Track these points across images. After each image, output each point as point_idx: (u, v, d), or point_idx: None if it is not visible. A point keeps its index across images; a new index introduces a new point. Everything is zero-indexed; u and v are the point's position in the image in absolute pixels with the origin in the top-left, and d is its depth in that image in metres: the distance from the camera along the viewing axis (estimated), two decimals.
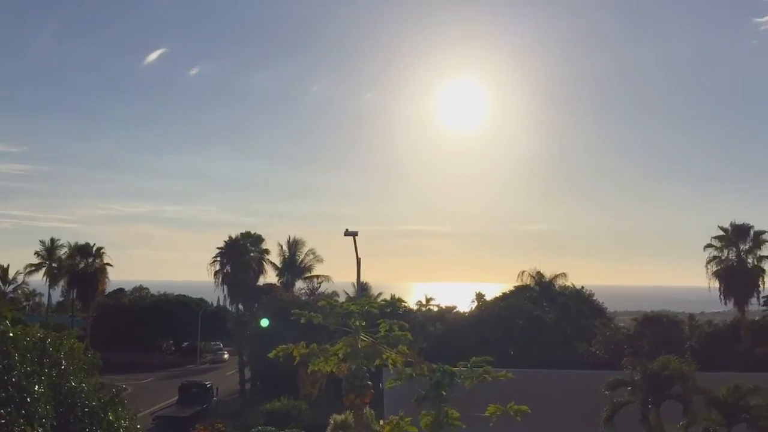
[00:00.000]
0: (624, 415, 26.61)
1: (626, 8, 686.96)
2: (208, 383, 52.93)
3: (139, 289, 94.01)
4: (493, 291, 66.04)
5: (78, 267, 69.39)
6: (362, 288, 66.47)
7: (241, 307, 63.12)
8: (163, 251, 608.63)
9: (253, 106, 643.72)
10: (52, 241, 75.92)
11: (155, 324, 77.80)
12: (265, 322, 51.51)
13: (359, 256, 32.03)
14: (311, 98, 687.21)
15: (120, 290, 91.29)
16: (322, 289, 65.87)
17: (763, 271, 50.32)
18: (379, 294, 70.22)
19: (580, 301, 57.13)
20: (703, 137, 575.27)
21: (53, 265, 74.50)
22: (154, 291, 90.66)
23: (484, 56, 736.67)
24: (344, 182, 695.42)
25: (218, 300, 71.67)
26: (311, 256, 66.48)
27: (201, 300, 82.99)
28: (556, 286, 58.26)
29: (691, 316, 61.16)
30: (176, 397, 50.62)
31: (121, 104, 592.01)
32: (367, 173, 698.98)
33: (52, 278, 74.45)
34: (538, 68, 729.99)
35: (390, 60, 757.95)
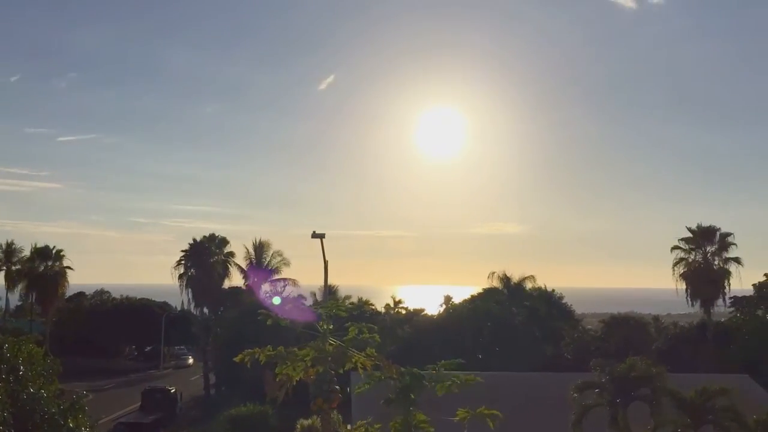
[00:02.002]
0: (592, 417, 26.66)
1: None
2: (171, 389, 52.29)
3: (101, 293, 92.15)
4: (461, 294, 66.10)
5: (37, 270, 67.77)
6: (330, 291, 66.11)
7: (206, 310, 62.40)
8: (126, 254, 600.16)
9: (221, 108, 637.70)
10: (9, 244, 73.89)
11: (117, 328, 76.44)
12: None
13: (326, 258, 31.74)
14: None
15: (81, 294, 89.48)
16: (288, 292, 65.23)
17: (729, 273, 51.09)
18: (347, 297, 70.07)
19: (549, 303, 57.41)
20: (671, 141, 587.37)
21: (13, 268, 72.54)
22: (116, 294, 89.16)
23: (455, 64, 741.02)
24: (309, 186, 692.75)
25: (182, 303, 70.67)
26: (278, 259, 65.88)
27: (165, 303, 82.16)
28: (525, 289, 58.48)
29: (657, 318, 61.94)
30: (139, 403, 49.82)
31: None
32: (330, 178, 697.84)
33: (10, 282, 72.50)
34: (514, 73, 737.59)
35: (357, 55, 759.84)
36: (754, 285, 55.85)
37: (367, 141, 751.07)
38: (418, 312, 61.79)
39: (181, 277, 60.47)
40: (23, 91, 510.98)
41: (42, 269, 68.05)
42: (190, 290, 60.66)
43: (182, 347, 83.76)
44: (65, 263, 69.26)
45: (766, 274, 55.72)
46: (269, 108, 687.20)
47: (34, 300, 72.17)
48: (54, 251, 68.90)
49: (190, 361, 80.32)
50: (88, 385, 58.43)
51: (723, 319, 55.87)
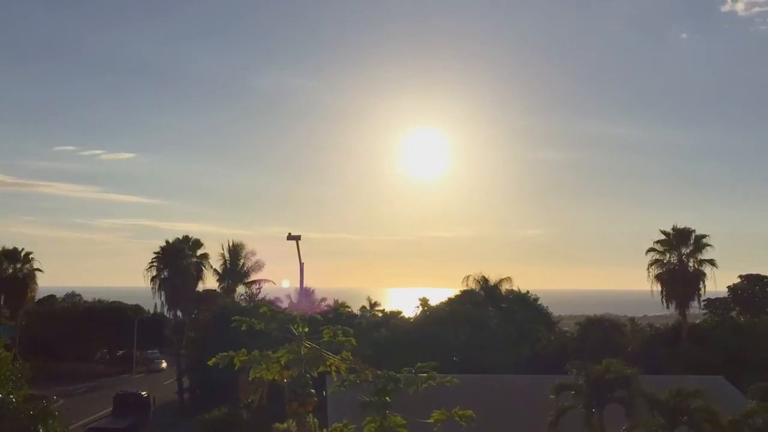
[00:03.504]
0: (569, 419, 26.71)
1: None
2: (144, 393, 51.73)
3: (72, 296, 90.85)
4: (438, 296, 66.08)
5: (5, 273, 66.47)
6: (306, 293, 65.69)
7: (179, 313, 61.65)
8: (98, 256, 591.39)
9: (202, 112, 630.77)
10: None
11: (88, 332, 75.38)
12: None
13: (302, 260, 31.61)
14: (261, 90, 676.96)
15: (51, 297, 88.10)
16: (263, 295, 64.73)
17: (704, 274, 51.46)
18: (323, 299, 69.68)
19: (525, 305, 57.63)
20: (647, 143, 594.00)
21: None
22: (87, 297, 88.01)
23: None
24: (283, 186, 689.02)
25: (155, 306, 69.84)
26: (252, 261, 65.36)
27: (137, 306, 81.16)
28: (501, 291, 58.59)
29: (632, 320, 62.45)
30: (111, 408, 49.15)
31: None
32: (303, 179, 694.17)
33: None
34: (489, 74, 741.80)
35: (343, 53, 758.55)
36: (728, 287, 56.61)
37: (348, 141, 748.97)
38: (394, 314, 61.60)
39: (153, 279, 59.65)
40: None
41: (10, 271, 66.75)
42: (163, 293, 59.86)
43: (155, 351, 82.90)
44: (35, 265, 68.01)
45: (740, 276, 56.54)
46: (264, 109, 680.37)
47: (2, 303, 70.76)
48: (23, 253, 67.62)
49: (164, 364, 79.58)
50: (58, 389, 57.68)
51: (698, 321, 56.47)
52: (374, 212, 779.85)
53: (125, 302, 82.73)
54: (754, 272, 56.83)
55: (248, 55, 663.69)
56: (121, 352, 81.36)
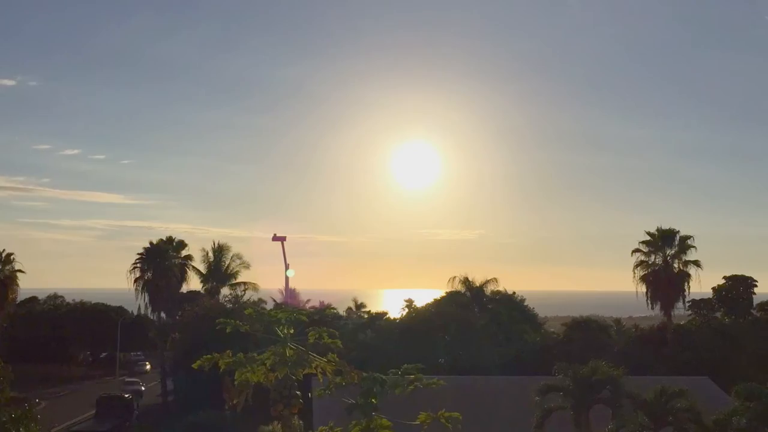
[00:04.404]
0: (555, 419, 26.79)
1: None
2: (127, 396, 51.58)
3: (54, 298, 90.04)
4: (424, 297, 66.02)
5: None
6: (291, 295, 65.50)
7: (163, 315, 61.12)
8: (80, 258, 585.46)
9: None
10: None
11: (71, 334, 74.85)
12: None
13: (287, 261, 31.35)
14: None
15: (33, 299, 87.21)
16: (248, 296, 64.43)
17: (689, 275, 51.78)
18: (308, 300, 69.49)
19: (511, 306, 57.63)
20: (632, 145, 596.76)
21: None
22: (70, 299, 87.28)
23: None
24: (270, 186, 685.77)
25: (139, 308, 69.30)
26: (237, 262, 64.96)
27: (120, 308, 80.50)
28: (487, 292, 58.60)
29: (618, 321, 62.71)
30: (94, 411, 48.85)
31: None
32: (283, 177, 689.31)
33: None
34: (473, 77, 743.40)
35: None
36: (713, 288, 56.93)
37: (332, 144, 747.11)
38: (380, 316, 61.50)
39: (137, 281, 59.13)
40: None
41: None
42: (146, 294, 59.36)
43: (139, 353, 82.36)
44: (16, 267, 67.19)
45: (724, 277, 56.87)
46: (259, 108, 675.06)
47: None
48: (4, 254, 66.80)
49: (148, 367, 78.97)
50: (40, 392, 57.01)
51: (683, 322, 56.78)
52: (374, 213, 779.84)
53: (108, 304, 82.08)
54: (739, 273, 57.20)
55: (246, 55, 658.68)
56: (104, 354, 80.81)
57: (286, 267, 31.62)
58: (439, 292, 62.36)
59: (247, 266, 65.04)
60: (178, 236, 63.03)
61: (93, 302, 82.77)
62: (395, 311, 62.84)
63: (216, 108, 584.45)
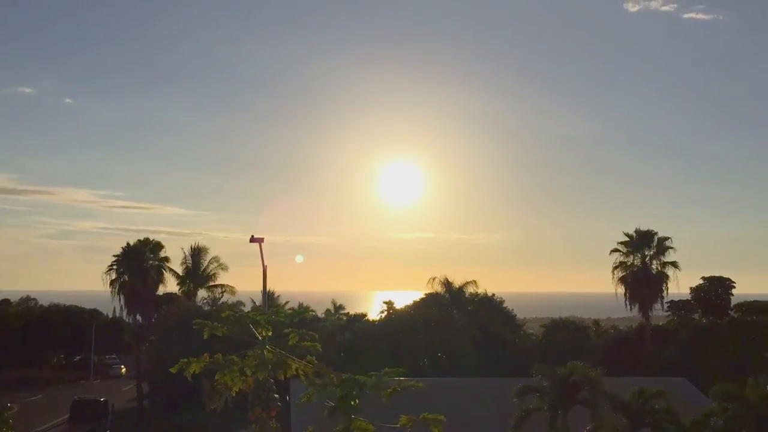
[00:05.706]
0: (533, 421, 26.73)
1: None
2: (102, 399, 51.04)
3: (26, 300, 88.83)
4: (403, 299, 65.98)
5: None
6: (269, 297, 65.00)
7: (139, 317, 60.38)
8: (52, 260, 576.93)
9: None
10: None
11: (44, 337, 73.81)
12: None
13: (265, 263, 31.08)
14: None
15: (5, 301, 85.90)
16: (226, 299, 63.94)
17: (667, 276, 52.23)
18: (286, 303, 69.01)
19: (491, 308, 57.68)
20: (610, 145, 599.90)
21: None
22: (43, 302, 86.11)
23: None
24: (248, 187, 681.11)
25: (114, 311, 68.47)
26: (215, 264, 64.49)
27: (95, 311, 79.77)
28: (466, 294, 58.61)
29: (597, 322, 63.12)
30: (68, 415, 48.45)
31: None
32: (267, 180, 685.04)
33: None
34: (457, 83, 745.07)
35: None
36: (691, 288, 57.53)
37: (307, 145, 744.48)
38: (359, 317, 61.29)
39: (112, 283, 58.32)
40: None
41: None
42: (122, 297, 58.59)
43: (114, 356, 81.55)
44: None
45: (702, 278, 57.51)
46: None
47: None
48: None
49: (123, 370, 78.33)
50: (13, 396, 56.18)
51: (661, 323, 57.26)
52: (357, 215, 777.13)
53: (83, 306, 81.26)
54: (717, 274, 57.91)
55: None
56: (78, 357, 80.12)
57: (264, 269, 31.26)
58: (410, 294, 62.31)
59: (225, 268, 64.68)
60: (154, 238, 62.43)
61: (66, 305, 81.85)
62: (373, 313, 62.73)
63: (212, 115, 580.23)
